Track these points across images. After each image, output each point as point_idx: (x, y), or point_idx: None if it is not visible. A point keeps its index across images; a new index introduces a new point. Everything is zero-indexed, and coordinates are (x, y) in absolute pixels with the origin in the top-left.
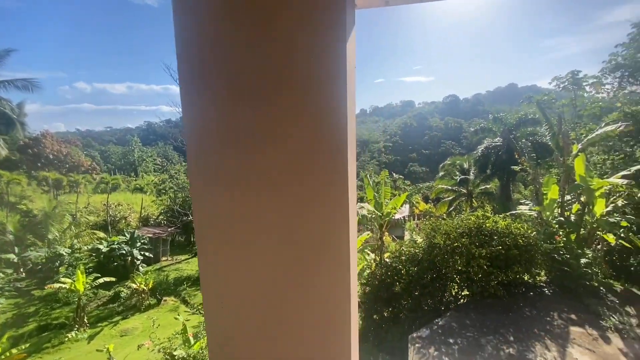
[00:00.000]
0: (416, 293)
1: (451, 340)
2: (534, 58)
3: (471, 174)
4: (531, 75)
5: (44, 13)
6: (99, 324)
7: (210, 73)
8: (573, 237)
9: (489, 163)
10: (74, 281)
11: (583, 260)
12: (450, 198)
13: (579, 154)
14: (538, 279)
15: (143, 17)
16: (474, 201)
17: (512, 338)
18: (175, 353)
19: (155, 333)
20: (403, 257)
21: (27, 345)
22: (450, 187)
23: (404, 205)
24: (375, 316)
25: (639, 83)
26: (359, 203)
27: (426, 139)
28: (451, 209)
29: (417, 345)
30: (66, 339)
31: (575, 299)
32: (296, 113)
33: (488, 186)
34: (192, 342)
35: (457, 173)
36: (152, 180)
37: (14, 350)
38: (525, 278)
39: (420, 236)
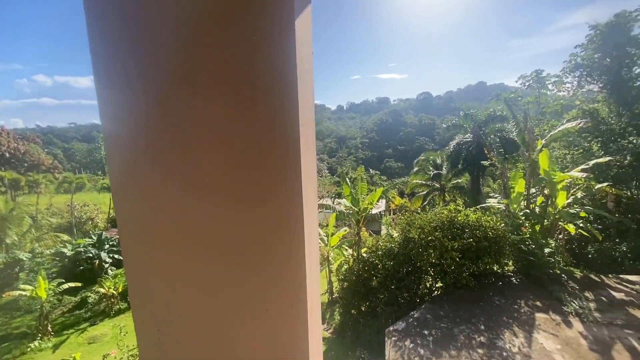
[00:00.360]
0: (392, 287)
1: (426, 332)
2: (501, 57)
3: (444, 169)
4: (499, 73)
5: None
6: (65, 332)
7: (131, 68)
8: (537, 228)
9: (460, 158)
10: (35, 288)
11: (546, 250)
12: (424, 192)
13: (543, 149)
14: (506, 269)
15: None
16: (446, 195)
17: (483, 327)
18: None
19: (124, 340)
20: (379, 252)
21: None
22: (424, 182)
23: (381, 200)
24: (353, 311)
25: (596, 82)
26: (336, 199)
27: (401, 135)
28: (425, 203)
29: (393, 338)
30: (29, 349)
31: (540, 286)
32: (238, 107)
33: (459, 180)
34: None
35: (431, 168)
36: None
37: None
38: (495, 268)
39: (396, 230)
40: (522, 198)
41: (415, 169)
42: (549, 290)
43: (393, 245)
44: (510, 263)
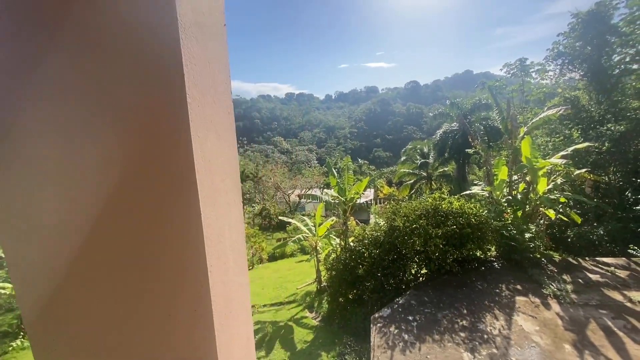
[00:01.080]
0: (379, 274)
1: (410, 318)
2: (486, 45)
3: (430, 157)
4: (485, 62)
5: None
6: None
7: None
8: (519, 214)
9: (447, 147)
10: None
11: (527, 235)
12: (412, 181)
13: (525, 136)
14: (489, 255)
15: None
16: (433, 183)
17: (465, 311)
18: None
19: None
20: (366, 241)
21: None
22: (411, 171)
23: (368, 189)
24: (340, 299)
25: (577, 70)
26: (325, 190)
27: (390, 125)
28: (412, 191)
29: (378, 324)
30: (10, 347)
31: (520, 270)
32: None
33: (446, 169)
34: None
35: (418, 157)
36: None
37: None
38: (478, 254)
39: (382, 219)
40: (504, 185)
41: (403, 158)
42: (529, 274)
43: (379, 234)
44: (492, 249)
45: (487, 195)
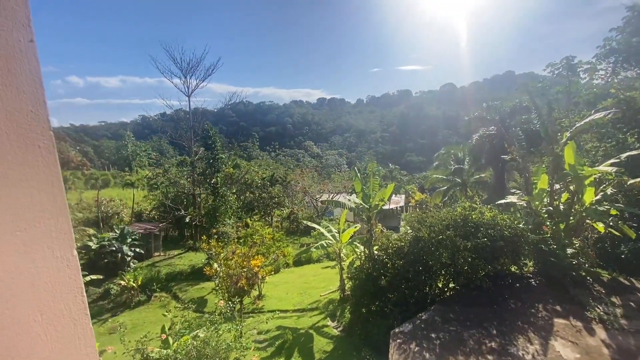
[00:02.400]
0: (402, 286)
1: (433, 335)
2: (530, 44)
3: (465, 163)
4: (528, 61)
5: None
6: None
7: None
8: (562, 226)
9: (483, 152)
10: None
11: (570, 250)
12: (445, 188)
13: (569, 142)
14: (525, 270)
15: (134, 7)
16: (468, 190)
17: (495, 331)
18: (151, 355)
19: (133, 334)
20: (390, 250)
21: None
22: (444, 177)
23: (399, 195)
24: (363, 309)
25: (633, 68)
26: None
27: (423, 128)
28: (445, 198)
29: (398, 340)
30: None
31: (561, 289)
32: None
33: (483, 175)
34: (170, 342)
35: (452, 162)
36: (145, 175)
37: None
38: (512, 269)
39: (408, 228)
40: (544, 194)
41: (436, 163)
42: (571, 294)
43: (403, 244)
44: (529, 264)
45: (525, 205)
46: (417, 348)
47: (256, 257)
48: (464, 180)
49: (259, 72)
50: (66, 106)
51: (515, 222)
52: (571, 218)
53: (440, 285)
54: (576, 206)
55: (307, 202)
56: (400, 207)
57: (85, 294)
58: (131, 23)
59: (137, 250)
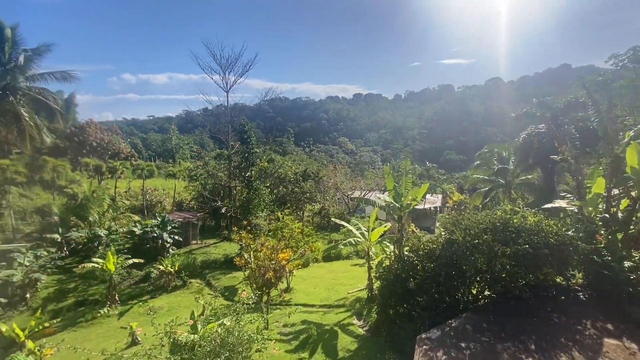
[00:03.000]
0: (432, 290)
1: (463, 345)
2: (590, 34)
3: (510, 163)
4: (588, 53)
5: (88, 9)
6: (130, 302)
7: None
8: (619, 236)
9: (531, 151)
10: (105, 261)
11: (627, 264)
12: (486, 189)
13: (632, 142)
14: (572, 282)
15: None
16: (512, 192)
17: (533, 346)
18: (179, 338)
19: (169, 316)
20: (421, 252)
21: (59, 320)
22: (486, 177)
23: (435, 195)
24: (390, 311)
25: None
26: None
27: (465, 125)
28: (486, 200)
29: (424, 347)
30: (99, 314)
31: (615, 306)
32: None
33: (529, 177)
34: (198, 328)
35: (495, 162)
36: (187, 167)
37: (46, 324)
38: (558, 280)
39: (441, 230)
40: (600, 200)
41: (477, 162)
42: (627, 311)
43: (435, 246)
44: (578, 275)
45: (576, 211)
46: (444, 357)
47: (284, 250)
48: (508, 181)
49: (296, 68)
50: (120, 101)
51: (564, 229)
52: (631, 227)
53: (474, 292)
54: (638, 214)
55: (338, 199)
56: (436, 207)
57: None
58: (178, 23)
59: (176, 237)
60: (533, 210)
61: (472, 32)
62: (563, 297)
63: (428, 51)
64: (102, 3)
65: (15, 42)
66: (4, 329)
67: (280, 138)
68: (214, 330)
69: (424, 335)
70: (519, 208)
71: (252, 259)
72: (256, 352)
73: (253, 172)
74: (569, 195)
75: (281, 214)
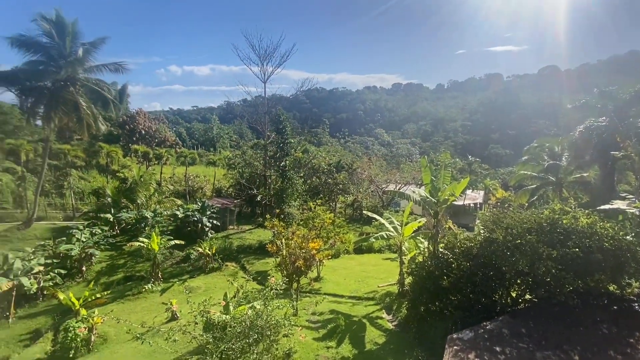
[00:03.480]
0: (467, 290)
1: (498, 349)
2: None
3: (563, 159)
4: None
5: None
6: (171, 280)
7: None
8: None
9: (589, 147)
10: (150, 241)
11: None
12: (534, 186)
13: None
14: (628, 291)
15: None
16: (564, 191)
17: (577, 357)
18: (213, 317)
19: (205, 295)
20: (457, 250)
21: (109, 292)
22: (535, 174)
23: (477, 191)
24: (421, 307)
25: None
26: (408, 186)
27: (514, 117)
28: (534, 198)
29: (455, 347)
30: (143, 289)
31: None
32: None
33: (585, 174)
34: (230, 309)
35: (546, 157)
36: (226, 155)
37: (98, 295)
38: (611, 289)
39: (480, 227)
40: None
41: (525, 157)
42: None
43: (473, 244)
44: (635, 284)
45: (638, 213)
46: (476, 359)
47: (315, 240)
48: (560, 179)
49: (333, 58)
50: (167, 92)
51: (621, 232)
52: None
53: (513, 295)
54: None
55: (372, 191)
56: (476, 204)
57: None
58: (221, 15)
59: (215, 222)
60: (587, 211)
61: (526, 16)
62: (615, 307)
63: (475, 38)
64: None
65: (75, 36)
66: (62, 297)
67: (316, 129)
68: (245, 312)
69: (455, 336)
70: (570, 208)
71: (284, 247)
72: (284, 336)
73: (287, 162)
74: (630, 196)
75: (313, 204)
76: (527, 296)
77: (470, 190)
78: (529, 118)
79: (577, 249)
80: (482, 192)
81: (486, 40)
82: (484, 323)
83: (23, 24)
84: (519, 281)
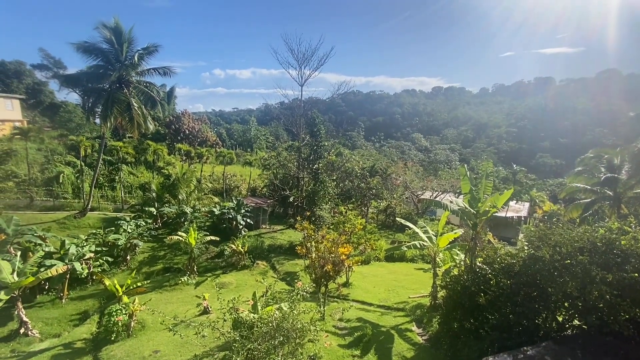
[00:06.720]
0: (506, 310)
1: None
2: None
3: (623, 172)
4: None
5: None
6: (205, 274)
7: None
8: None
9: None
10: (188, 236)
11: None
12: (588, 200)
13: None
14: None
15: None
16: (623, 207)
17: None
18: (241, 315)
19: (236, 292)
20: (496, 265)
21: (149, 282)
22: (589, 187)
23: (522, 203)
24: (454, 324)
25: None
26: (445, 194)
27: (566, 125)
28: (587, 214)
29: None
30: (180, 281)
31: None
32: None
33: None
34: (259, 308)
35: (602, 169)
36: (261, 156)
37: (139, 284)
38: None
39: (524, 243)
40: None
41: (578, 168)
42: None
43: (515, 260)
44: None
45: None
46: None
47: (345, 245)
48: (618, 193)
49: (371, 61)
50: (210, 94)
51: None
52: None
53: (559, 319)
54: None
55: (406, 198)
56: (520, 217)
57: None
58: (262, 20)
59: (248, 220)
60: None
61: (583, 15)
62: None
63: (525, 39)
64: (198, 5)
65: (131, 42)
66: (107, 283)
67: (351, 132)
68: (272, 313)
69: (492, 358)
70: (630, 228)
71: (313, 250)
72: (309, 341)
73: (320, 164)
74: None
75: (345, 208)
76: (576, 322)
77: (514, 201)
78: (584, 126)
79: (636, 274)
80: (527, 204)
81: (537, 42)
82: (525, 348)
83: (83, 32)
84: (566, 305)
